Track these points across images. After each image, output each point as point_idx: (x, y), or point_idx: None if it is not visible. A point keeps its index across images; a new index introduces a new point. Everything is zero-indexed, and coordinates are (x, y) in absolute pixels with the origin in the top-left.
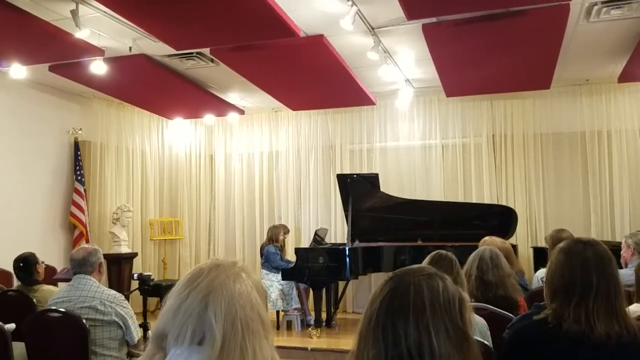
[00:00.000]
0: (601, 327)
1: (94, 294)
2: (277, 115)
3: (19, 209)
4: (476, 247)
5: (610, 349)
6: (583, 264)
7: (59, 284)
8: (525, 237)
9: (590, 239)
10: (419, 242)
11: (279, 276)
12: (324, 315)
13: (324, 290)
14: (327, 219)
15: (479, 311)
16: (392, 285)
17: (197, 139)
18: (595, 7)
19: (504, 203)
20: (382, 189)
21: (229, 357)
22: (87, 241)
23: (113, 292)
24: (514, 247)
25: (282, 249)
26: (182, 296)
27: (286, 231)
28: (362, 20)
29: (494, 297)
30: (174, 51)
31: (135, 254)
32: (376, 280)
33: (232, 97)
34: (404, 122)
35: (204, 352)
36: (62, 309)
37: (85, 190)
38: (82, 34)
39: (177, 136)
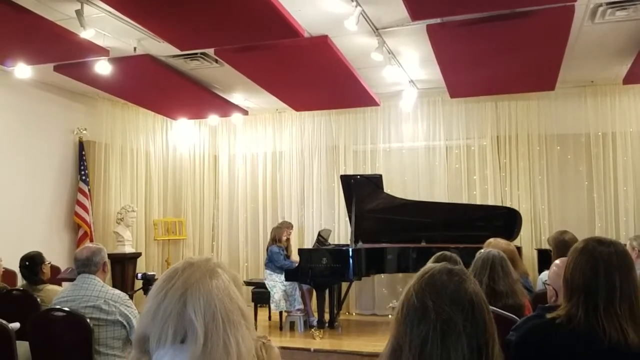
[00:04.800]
0: (634, 336)
1: (98, 293)
2: (280, 115)
3: (23, 208)
4: (480, 249)
5: None
6: (606, 264)
7: (63, 283)
8: (530, 239)
9: (610, 238)
10: (423, 244)
11: (283, 277)
12: (327, 316)
13: (327, 291)
14: (330, 220)
15: None
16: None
17: (201, 140)
18: (600, 9)
19: (508, 205)
20: (385, 190)
21: (212, 351)
22: (92, 241)
23: (117, 291)
24: (519, 249)
25: (287, 247)
26: (159, 297)
27: (289, 227)
28: (367, 21)
29: (503, 307)
30: (178, 51)
31: (139, 254)
32: (379, 282)
33: (236, 97)
34: (408, 123)
35: (188, 350)
36: (67, 308)
37: (89, 190)
38: (87, 34)
39: (181, 137)
